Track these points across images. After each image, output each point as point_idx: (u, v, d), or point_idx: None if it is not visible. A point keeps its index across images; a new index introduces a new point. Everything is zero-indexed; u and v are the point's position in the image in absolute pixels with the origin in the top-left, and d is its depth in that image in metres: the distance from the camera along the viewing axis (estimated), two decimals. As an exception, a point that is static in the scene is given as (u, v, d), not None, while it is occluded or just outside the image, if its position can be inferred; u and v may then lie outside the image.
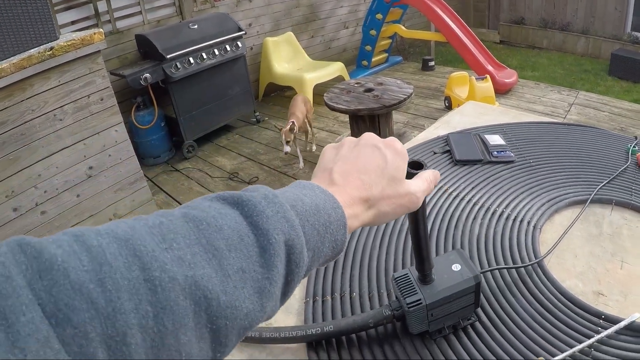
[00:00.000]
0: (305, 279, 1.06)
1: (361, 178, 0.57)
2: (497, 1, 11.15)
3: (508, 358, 0.83)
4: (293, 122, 4.13)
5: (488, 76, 5.12)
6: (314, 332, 0.86)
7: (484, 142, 1.61)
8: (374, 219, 0.57)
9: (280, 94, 6.56)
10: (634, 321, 0.87)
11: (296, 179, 0.94)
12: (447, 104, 5.61)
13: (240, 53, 5.11)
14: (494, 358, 0.83)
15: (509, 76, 6.22)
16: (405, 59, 8.04)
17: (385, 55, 7.57)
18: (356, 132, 3.90)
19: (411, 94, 3.73)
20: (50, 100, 2.83)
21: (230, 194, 0.46)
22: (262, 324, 0.94)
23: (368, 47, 7.07)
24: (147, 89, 4.47)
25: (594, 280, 1.04)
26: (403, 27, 7.14)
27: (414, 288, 0.82)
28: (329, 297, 1.00)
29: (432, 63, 7.35)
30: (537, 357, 0.82)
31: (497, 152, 1.54)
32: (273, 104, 6.33)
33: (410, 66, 7.62)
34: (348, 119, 4.12)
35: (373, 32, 6.85)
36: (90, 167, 3.14)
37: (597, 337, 0.85)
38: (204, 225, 0.40)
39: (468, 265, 0.85)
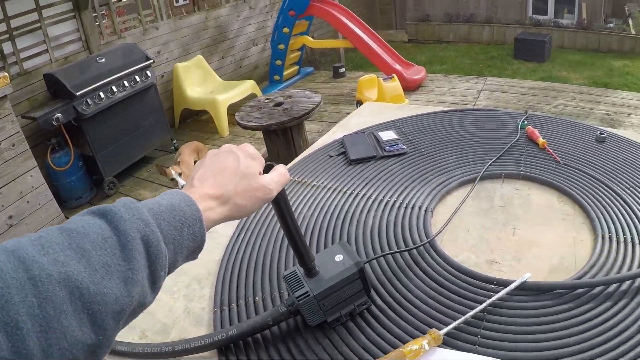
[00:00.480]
0: (212, 290, 1.11)
1: (216, 179, 0.67)
2: (402, 2, 11.49)
3: (405, 334, 0.89)
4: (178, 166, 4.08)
5: (394, 75, 5.28)
6: (220, 338, 0.89)
7: (377, 139, 1.69)
8: (233, 212, 0.67)
9: (196, 119, 6.54)
10: (524, 281, 0.95)
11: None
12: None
13: (151, 82, 5.04)
14: (391, 336, 0.89)
15: (417, 72, 6.44)
16: (317, 68, 8.16)
17: (296, 67, 7.65)
18: (270, 147, 3.95)
19: (319, 102, 3.82)
20: (-40, 151, 2.78)
21: (97, 207, 0.55)
22: (175, 338, 0.98)
23: (278, 62, 7.13)
24: (61, 129, 4.34)
25: (487, 251, 1.12)
26: (310, 38, 7.25)
27: (301, 282, 0.87)
28: (234, 305, 1.04)
29: (343, 69, 7.49)
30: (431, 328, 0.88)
31: (389, 146, 1.62)
32: (190, 130, 6.29)
33: (322, 75, 7.74)
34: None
35: (281, 46, 6.92)
36: (10, 217, 3.06)
37: (488, 301, 0.92)
38: (74, 233, 0.49)
39: (350, 255, 0.90)
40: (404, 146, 1.62)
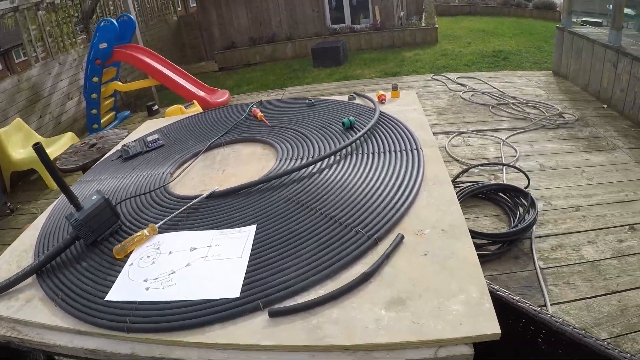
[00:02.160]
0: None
1: None
2: (209, 35, 12.22)
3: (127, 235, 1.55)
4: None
5: (194, 101, 5.98)
6: (34, 265, 1.46)
7: (144, 141, 2.37)
8: None
9: (26, 180, 6.74)
10: (213, 191, 1.66)
11: None
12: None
13: (-26, 151, 5.29)
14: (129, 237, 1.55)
15: (221, 96, 7.20)
16: (134, 111, 8.57)
17: (112, 113, 8.00)
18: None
19: (126, 135, 4.38)
20: None
21: None
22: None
23: (94, 111, 7.46)
24: None
25: (201, 185, 1.84)
26: (120, 83, 7.66)
27: (73, 214, 1.50)
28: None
29: (156, 107, 7.93)
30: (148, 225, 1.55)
31: (151, 144, 2.31)
32: (22, 191, 6.43)
33: (139, 116, 8.17)
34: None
35: (94, 95, 7.27)
36: None
37: (185, 206, 1.60)
38: None
39: (101, 194, 1.56)
40: (162, 142, 2.32)
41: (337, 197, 1.50)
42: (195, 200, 1.63)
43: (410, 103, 2.37)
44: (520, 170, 4.06)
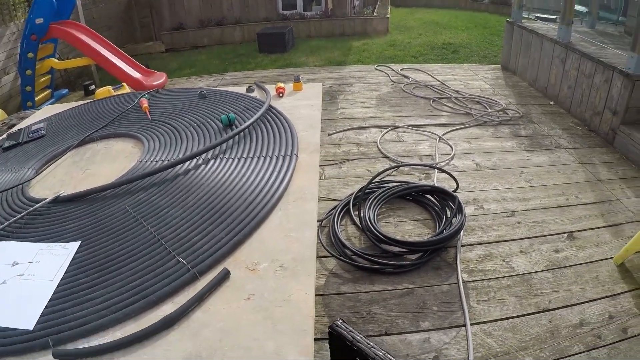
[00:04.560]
0: None
1: None
2: (159, 13, 11.97)
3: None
4: None
5: (124, 84, 5.87)
6: None
7: (28, 130, 2.29)
8: None
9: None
10: (58, 195, 1.60)
11: None
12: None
13: None
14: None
15: (157, 79, 7.06)
16: (72, 90, 8.34)
17: (48, 91, 7.77)
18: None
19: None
20: None
21: None
22: None
23: (28, 88, 7.25)
24: None
25: (59, 185, 1.77)
26: (56, 60, 7.44)
27: None
28: None
29: (93, 87, 7.71)
30: None
31: (32, 133, 2.24)
32: None
33: (76, 95, 7.96)
34: None
35: (29, 72, 7.05)
36: None
37: (25, 212, 1.52)
38: None
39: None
40: (44, 131, 2.25)
41: (177, 213, 1.39)
42: (36, 205, 1.56)
43: (310, 97, 2.33)
44: (447, 172, 3.75)
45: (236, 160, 1.69)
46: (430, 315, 2.46)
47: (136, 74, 6.84)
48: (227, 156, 1.73)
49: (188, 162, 1.70)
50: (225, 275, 1.11)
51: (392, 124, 5.03)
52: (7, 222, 1.48)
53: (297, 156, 1.68)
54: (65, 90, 8.12)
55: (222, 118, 1.97)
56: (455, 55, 8.81)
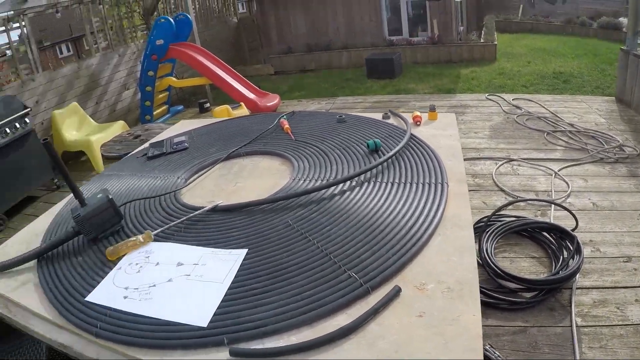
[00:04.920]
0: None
1: None
2: (267, 38, 12.34)
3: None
4: None
5: (242, 103, 6.06)
6: (35, 252, 1.52)
7: (171, 142, 2.40)
8: None
9: (76, 160, 6.98)
10: (216, 205, 1.65)
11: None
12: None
13: (29, 129, 5.48)
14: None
15: (271, 100, 7.24)
16: (187, 106, 8.74)
17: (165, 107, 8.22)
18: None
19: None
20: None
21: None
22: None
23: (147, 103, 7.69)
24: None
25: (210, 195, 1.83)
26: (174, 79, 7.85)
27: (77, 210, 1.54)
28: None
29: (208, 105, 8.11)
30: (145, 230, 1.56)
31: (176, 145, 2.34)
32: (71, 170, 6.60)
33: (190, 112, 8.35)
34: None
35: (149, 88, 7.52)
36: None
37: (184, 217, 1.59)
38: None
39: (106, 193, 1.58)
40: (187, 144, 2.34)
41: (341, 230, 1.41)
42: (197, 212, 1.63)
43: (446, 127, 2.28)
44: (568, 210, 3.56)
45: (388, 185, 1.67)
46: (542, 357, 2.37)
47: (251, 95, 7.05)
48: (378, 180, 1.71)
49: (342, 184, 1.71)
50: (397, 292, 1.13)
51: (507, 156, 4.85)
52: (167, 225, 1.56)
53: (447, 184, 1.67)
54: (180, 107, 8.51)
55: (369, 143, 1.97)
56: (566, 86, 8.45)
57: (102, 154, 4.41)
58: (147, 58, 7.44)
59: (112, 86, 7.87)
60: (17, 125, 5.39)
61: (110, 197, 1.57)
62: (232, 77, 7.35)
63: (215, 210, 1.64)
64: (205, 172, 2.04)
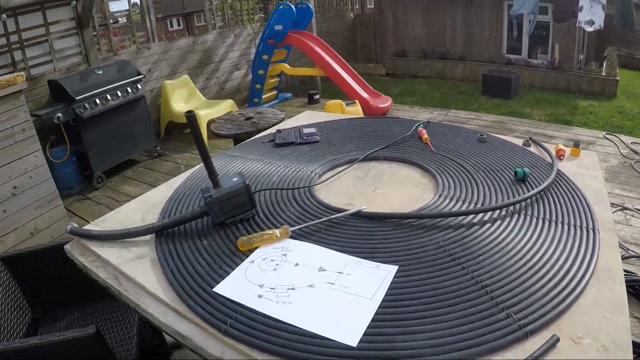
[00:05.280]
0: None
1: None
2: (382, 38, 12.19)
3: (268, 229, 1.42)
4: None
5: (356, 101, 5.89)
6: (156, 225, 1.43)
7: (300, 132, 2.26)
8: None
9: (179, 132, 7.09)
10: (359, 210, 1.47)
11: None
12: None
13: (140, 94, 5.68)
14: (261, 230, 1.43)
15: (384, 102, 7.05)
16: (295, 95, 8.73)
17: (274, 92, 8.23)
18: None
19: (283, 118, 4.37)
20: (-20, 132, 3.39)
21: None
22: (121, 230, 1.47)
23: (258, 86, 7.72)
24: (60, 128, 4.92)
25: (348, 197, 1.66)
26: (288, 66, 7.87)
27: (209, 190, 1.42)
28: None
29: (317, 96, 8.05)
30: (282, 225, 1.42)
31: (306, 136, 2.18)
32: (174, 140, 6.82)
33: (298, 101, 8.32)
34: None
35: (261, 71, 7.54)
36: (15, 187, 3.63)
37: (326, 218, 1.44)
38: None
39: (242, 178, 1.46)
40: (318, 137, 2.19)
41: (493, 262, 1.26)
42: (340, 214, 1.46)
43: (589, 167, 2.02)
44: None
45: (539, 220, 1.45)
46: None
47: (364, 94, 6.90)
48: (528, 213, 1.49)
49: (496, 212, 1.52)
50: (555, 342, 1.00)
51: (621, 203, 4.43)
52: (307, 223, 1.43)
53: (599, 232, 1.45)
54: (289, 94, 8.51)
55: (517, 171, 1.75)
56: (693, 134, 7.86)
57: (212, 131, 4.36)
58: (264, 42, 7.47)
59: (224, 64, 7.98)
60: (129, 89, 5.54)
61: (247, 182, 1.44)
62: (347, 72, 7.23)
63: (358, 215, 1.48)
64: (340, 171, 1.88)
